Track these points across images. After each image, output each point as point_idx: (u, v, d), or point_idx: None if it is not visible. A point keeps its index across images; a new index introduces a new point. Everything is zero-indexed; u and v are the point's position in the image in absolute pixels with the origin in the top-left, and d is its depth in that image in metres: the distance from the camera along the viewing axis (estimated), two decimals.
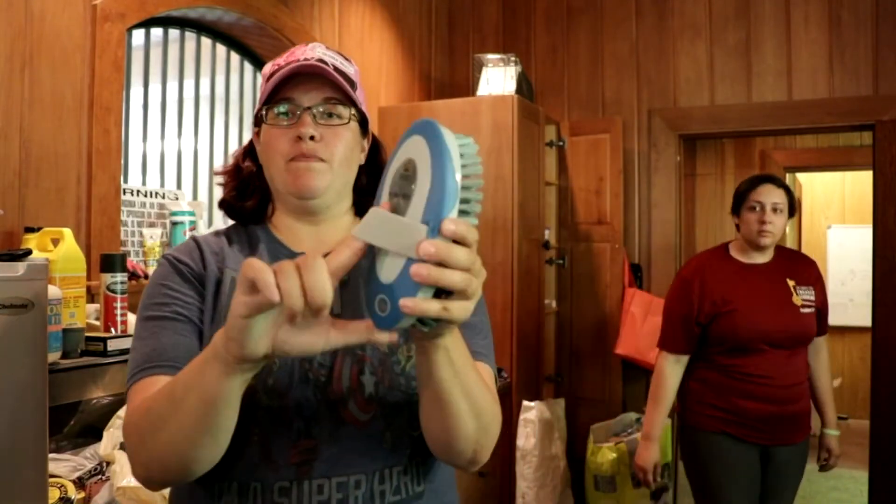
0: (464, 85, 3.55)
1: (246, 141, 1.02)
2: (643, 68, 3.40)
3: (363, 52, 2.87)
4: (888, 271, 3.01)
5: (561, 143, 3.36)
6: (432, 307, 0.53)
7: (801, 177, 5.35)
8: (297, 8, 2.48)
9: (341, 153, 0.89)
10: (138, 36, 2.09)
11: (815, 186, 5.65)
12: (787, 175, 4.66)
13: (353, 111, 0.91)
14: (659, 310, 2.50)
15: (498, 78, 2.96)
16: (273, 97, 0.89)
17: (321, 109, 0.88)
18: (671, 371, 2.19)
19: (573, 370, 3.39)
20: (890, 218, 3.01)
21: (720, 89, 3.27)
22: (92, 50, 1.73)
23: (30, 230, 1.46)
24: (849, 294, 5.53)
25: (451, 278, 0.53)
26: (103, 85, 1.75)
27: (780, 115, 3.17)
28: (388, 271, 0.57)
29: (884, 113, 3.02)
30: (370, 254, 0.60)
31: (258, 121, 0.92)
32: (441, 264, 0.52)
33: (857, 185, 5.46)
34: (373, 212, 0.60)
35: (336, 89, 0.89)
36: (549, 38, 3.57)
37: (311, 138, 0.86)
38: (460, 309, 0.55)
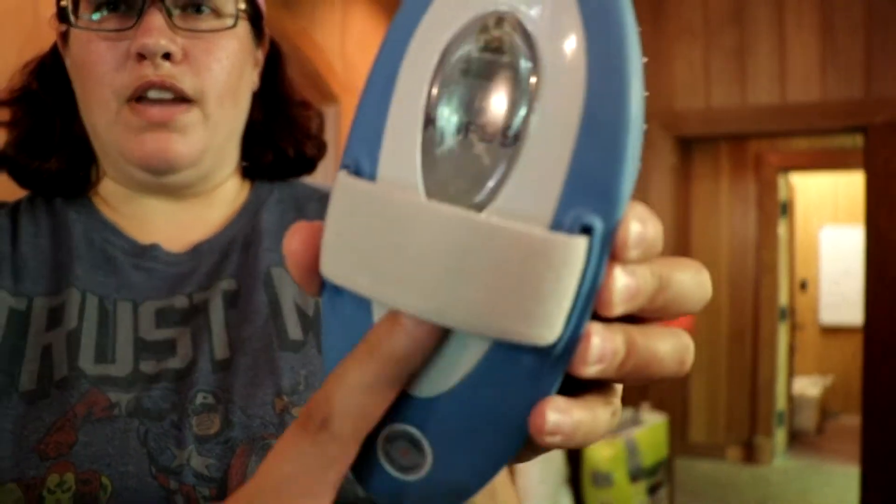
0: None
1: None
2: None
3: (366, 56, 2.90)
4: (880, 271, 3.05)
5: None
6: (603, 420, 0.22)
7: (795, 178, 5.40)
8: (298, 11, 2.51)
9: (223, 81, 0.51)
10: None
11: (808, 187, 5.70)
12: (781, 176, 4.71)
13: (242, 2, 0.52)
14: None
15: None
16: None
17: (181, 1, 0.50)
18: None
19: None
20: (881, 218, 3.06)
21: (715, 92, 3.32)
22: None
23: None
24: (842, 293, 5.57)
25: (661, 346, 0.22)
26: None
27: (775, 118, 3.22)
28: (439, 372, 0.22)
29: (876, 116, 3.06)
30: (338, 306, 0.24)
31: (63, 15, 0.51)
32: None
33: (850, 186, 5.52)
34: (353, 186, 0.22)
35: None
36: None
37: (167, 57, 0.48)
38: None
